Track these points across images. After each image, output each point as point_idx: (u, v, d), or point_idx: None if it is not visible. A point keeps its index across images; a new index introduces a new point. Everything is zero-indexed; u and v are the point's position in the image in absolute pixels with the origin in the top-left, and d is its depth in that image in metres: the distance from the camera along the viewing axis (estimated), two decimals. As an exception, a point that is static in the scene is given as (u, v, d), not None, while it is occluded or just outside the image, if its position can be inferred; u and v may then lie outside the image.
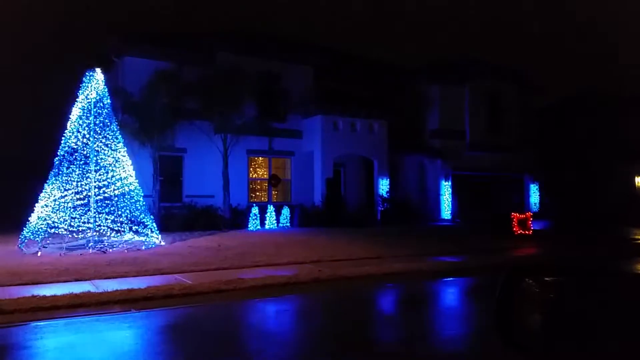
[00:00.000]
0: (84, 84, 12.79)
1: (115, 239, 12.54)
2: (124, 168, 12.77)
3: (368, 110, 22.48)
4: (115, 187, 12.47)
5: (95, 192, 12.26)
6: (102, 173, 12.37)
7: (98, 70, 13.01)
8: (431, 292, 8.97)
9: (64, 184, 12.17)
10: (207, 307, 7.18)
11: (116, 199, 12.45)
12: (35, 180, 14.83)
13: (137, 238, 12.77)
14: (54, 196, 12.14)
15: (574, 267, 2.30)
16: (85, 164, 12.29)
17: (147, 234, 12.92)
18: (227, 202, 19.11)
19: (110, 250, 11.97)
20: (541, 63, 64.53)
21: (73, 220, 12.04)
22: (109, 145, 12.61)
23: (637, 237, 17.13)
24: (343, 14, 67.02)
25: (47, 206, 12.14)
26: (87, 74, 12.87)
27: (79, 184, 12.18)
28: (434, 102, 25.36)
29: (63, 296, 6.96)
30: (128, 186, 12.75)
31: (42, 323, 6.07)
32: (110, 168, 12.49)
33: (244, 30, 23.93)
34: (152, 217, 13.60)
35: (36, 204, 12.42)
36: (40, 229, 12.06)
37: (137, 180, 13.22)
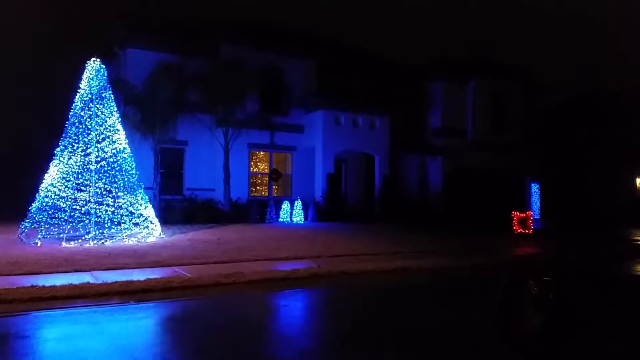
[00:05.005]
0: (85, 75, 12.77)
1: (115, 230, 12.54)
2: (125, 160, 12.75)
3: (370, 107, 22.44)
4: (116, 179, 12.46)
5: (95, 183, 12.25)
6: (103, 164, 12.36)
7: (99, 61, 12.98)
8: (429, 290, 8.96)
9: (64, 175, 12.16)
10: (205, 300, 7.18)
11: (117, 190, 12.43)
12: (35, 171, 14.83)
13: (137, 230, 12.77)
14: (55, 186, 12.14)
15: (576, 268, 2.29)
16: (86, 154, 12.27)
17: (147, 226, 12.91)
18: (228, 196, 19.12)
19: (110, 241, 11.98)
20: (546, 63, 64.35)
21: (73, 211, 12.04)
22: (110, 137, 12.59)
23: (637, 238, 17.12)
24: (347, 10, 66.83)
25: (47, 197, 12.14)
26: (88, 64, 12.84)
27: (80, 174, 12.17)
28: (437, 100, 25.30)
29: (62, 287, 6.96)
30: (129, 178, 12.74)
31: (41, 313, 6.07)
32: (112, 159, 12.47)
33: (247, 24, 23.85)
34: (152, 209, 13.60)
35: (36, 194, 12.42)
36: (40, 219, 12.07)
37: (138, 172, 13.21)
